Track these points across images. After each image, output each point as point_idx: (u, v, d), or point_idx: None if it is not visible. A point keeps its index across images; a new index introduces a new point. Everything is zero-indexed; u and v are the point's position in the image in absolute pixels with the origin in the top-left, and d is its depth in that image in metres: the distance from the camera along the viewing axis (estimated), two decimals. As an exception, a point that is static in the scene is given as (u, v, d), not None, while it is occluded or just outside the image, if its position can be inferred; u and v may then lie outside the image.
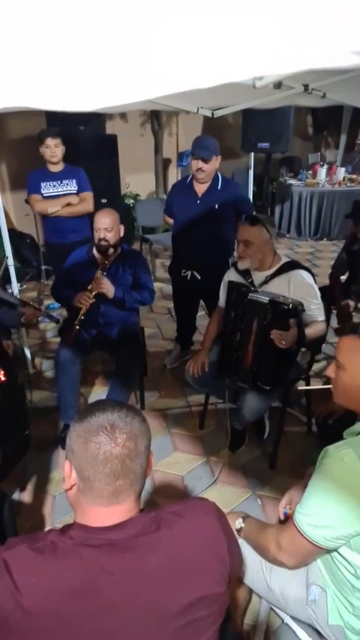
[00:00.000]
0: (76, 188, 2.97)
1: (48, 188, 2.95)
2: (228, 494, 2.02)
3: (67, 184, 2.97)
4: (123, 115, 5.82)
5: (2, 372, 1.70)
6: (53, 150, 2.85)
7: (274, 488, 2.04)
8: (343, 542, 0.98)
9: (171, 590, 0.72)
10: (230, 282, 2.08)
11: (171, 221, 2.75)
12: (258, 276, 2.06)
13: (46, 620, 0.67)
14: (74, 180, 2.97)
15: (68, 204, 2.91)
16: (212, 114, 1.73)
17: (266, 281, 2.03)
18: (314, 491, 1.00)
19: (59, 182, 2.96)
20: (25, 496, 2.03)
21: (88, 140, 4.12)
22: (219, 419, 2.48)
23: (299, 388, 2.19)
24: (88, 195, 2.99)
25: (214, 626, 0.78)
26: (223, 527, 0.81)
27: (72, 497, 0.78)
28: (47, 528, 1.86)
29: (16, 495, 2.01)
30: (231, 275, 2.16)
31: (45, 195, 2.95)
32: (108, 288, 2.24)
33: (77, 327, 2.24)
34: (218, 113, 1.74)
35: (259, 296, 1.92)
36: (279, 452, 2.18)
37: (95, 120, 4.35)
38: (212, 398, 2.41)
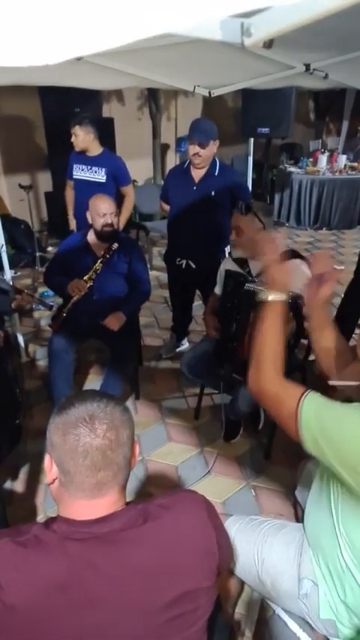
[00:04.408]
0: (105, 178, 2.93)
1: (77, 171, 2.99)
2: (222, 485, 2.02)
3: (96, 172, 2.94)
4: (120, 98, 5.68)
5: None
6: (74, 140, 2.91)
7: (268, 479, 2.04)
8: (320, 459, 0.89)
9: (157, 584, 0.71)
10: (227, 271, 2.04)
11: (167, 207, 2.69)
12: (255, 266, 2.02)
13: (30, 615, 0.66)
14: (104, 170, 2.92)
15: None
16: (210, 93, 1.66)
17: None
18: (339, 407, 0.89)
19: (89, 167, 2.95)
20: (18, 485, 2.02)
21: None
22: (214, 409, 2.46)
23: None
24: (129, 189, 2.97)
25: (202, 619, 0.77)
26: (212, 519, 0.80)
27: (54, 491, 0.76)
28: (39, 517, 1.85)
29: (8, 485, 2.00)
30: (228, 264, 2.12)
31: (75, 177, 2.99)
32: (117, 323, 2.20)
33: (64, 315, 2.20)
34: (216, 92, 1.66)
35: (257, 286, 1.88)
36: (274, 443, 2.17)
37: (91, 102, 4.24)
38: (207, 388, 2.39)
